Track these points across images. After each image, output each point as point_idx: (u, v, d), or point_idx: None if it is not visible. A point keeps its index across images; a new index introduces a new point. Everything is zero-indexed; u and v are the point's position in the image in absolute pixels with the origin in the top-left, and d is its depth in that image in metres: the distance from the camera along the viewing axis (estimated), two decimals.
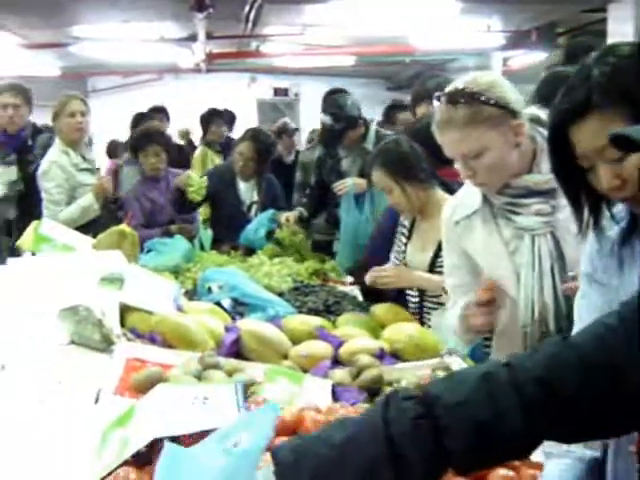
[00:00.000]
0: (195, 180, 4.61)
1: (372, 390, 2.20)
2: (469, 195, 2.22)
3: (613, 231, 1.46)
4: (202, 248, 4.89)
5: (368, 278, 2.99)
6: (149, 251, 3.73)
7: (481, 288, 2.10)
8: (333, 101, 4.53)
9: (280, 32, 8.57)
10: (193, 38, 8.03)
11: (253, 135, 4.77)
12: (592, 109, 1.32)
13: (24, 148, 4.79)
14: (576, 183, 1.43)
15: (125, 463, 1.53)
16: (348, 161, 4.49)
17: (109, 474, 1.51)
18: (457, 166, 2.10)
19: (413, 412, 1.07)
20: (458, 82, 2.05)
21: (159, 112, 7.17)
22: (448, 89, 2.05)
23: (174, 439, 1.55)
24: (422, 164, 2.98)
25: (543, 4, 7.13)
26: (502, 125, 2.00)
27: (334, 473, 1.05)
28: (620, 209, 1.44)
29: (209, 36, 7.67)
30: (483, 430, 1.06)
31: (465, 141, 2.00)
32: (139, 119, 6.40)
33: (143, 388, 1.92)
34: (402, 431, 1.06)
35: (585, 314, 1.53)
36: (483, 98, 1.98)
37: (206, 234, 5.29)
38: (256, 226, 4.39)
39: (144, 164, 4.77)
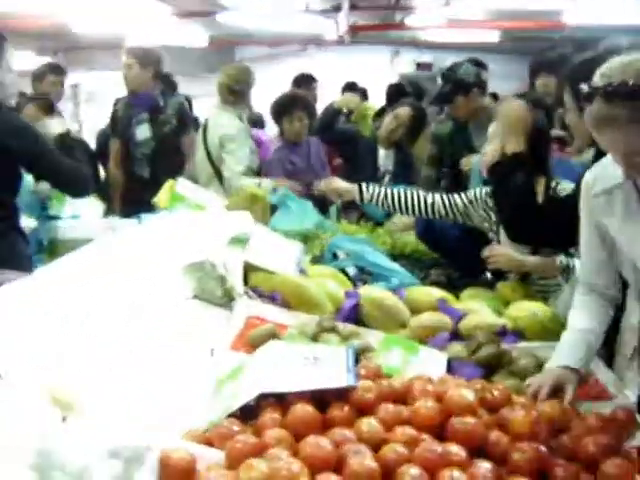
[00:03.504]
0: None
1: (489, 367, 2.15)
2: (610, 165, 2.08)
3: None
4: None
5: (484, 253, 2.91)
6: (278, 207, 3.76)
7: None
8: (450, 65, 4.41)
9: (425, 4, 8.44)
10: (337, 9, 8.03)
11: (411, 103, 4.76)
12: None
13: (155, 109, 4.93)
14: None
15: (232, 415, 1.56)
16: (478, 135, 4.35)
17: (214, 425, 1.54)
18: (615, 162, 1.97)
19: None
20: (608, 71, 1.89)
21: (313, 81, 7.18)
22: (604, 82, 1.89)
23: (281, 396, 1.57)
24: None
25: None
26: None
27: None
28: None
29: (353, 7, 7.65)
30: None
31: (629, 139, 1.86)
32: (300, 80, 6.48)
33: (258, 344, 1.94)
34: None
35: None
36: None
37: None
38: None
39: (287, 129, 4.82)
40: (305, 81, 6.91)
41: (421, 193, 3.26)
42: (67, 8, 8.10)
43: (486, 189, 3.07)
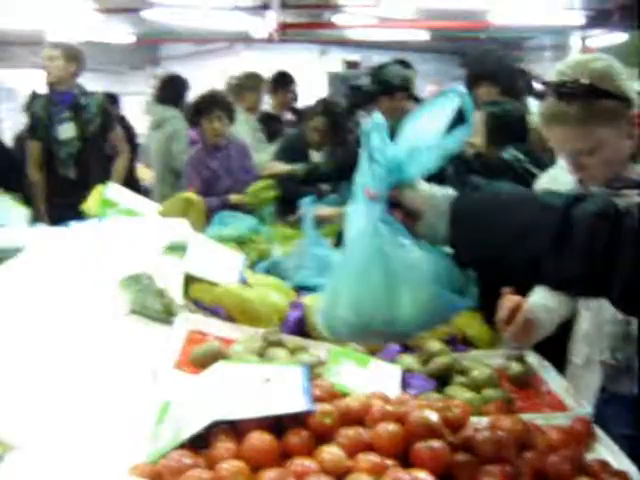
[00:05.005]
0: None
1: (442, 378, 2.08)
2: (562, 172, 2.05)
3: None
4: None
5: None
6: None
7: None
8: (376, 65, 4.38)
9: (355, 3, 8.41)
10: (266, 7, 7.94)
11: (325, 108, 4.68)
12: None
13: (77, 106, 4.75)
14: None
15: (180, 445, 1.44)
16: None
17: (163, 456, 1.42)
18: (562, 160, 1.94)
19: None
20: (564, 69, 1.86)
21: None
22: (555, 79, 1.86)
23: (233, 422, 1.46)
24: None
25: None
26: (618, 118, 1.82)
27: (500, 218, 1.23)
28: None
29: (283, 5, 7.57)
30: None
31: (577, 138, 1.81)
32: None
33: (203, 363, 1.83)
34: (579, 215, 1.18)
35: None
36: (599, 92, 1.80)
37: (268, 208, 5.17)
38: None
39: (206, 130, 4.67)
40: (284, 80, 6.69)
41: None
42: None
43: None
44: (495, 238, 1.25)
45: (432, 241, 1.37)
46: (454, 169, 2.73)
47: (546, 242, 1.20)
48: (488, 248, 1.27)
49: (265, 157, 5.08)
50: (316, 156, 4.71)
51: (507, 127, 3.00)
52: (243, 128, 5.44)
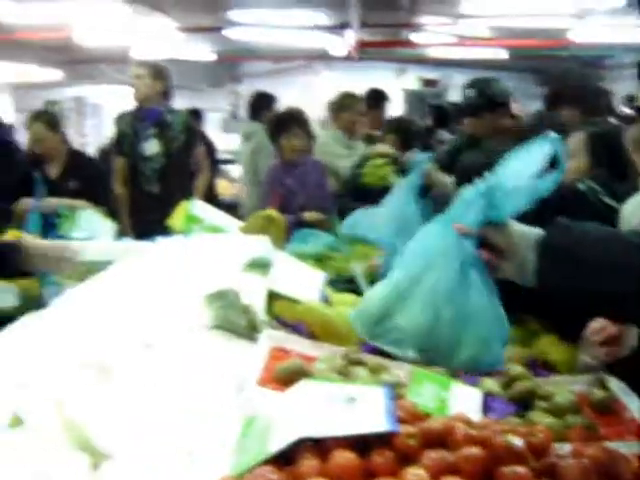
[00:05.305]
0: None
1: (523, 402, 2.06)
2: None
3: None
4: None
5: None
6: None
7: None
8: (480, 79, 4.34)
9: (433, 22, 8.43)
10: (345, 26, 8.02)
11: (397, 126, 4.71)
12: None
13: (162, 124, 4.86)
14: None
15: (265, 461, 1.47)
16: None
17: (248, 471, 1.45)
18: None
19: None
20: None
21: None
22: None
23: (318, 440, 1.49)
24: None
25: None
26: None
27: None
28: None
29: (362, 24, 7.63)
30: None
31: None
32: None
33: (286, 380, 1.87)
34: None
35: None
36: None
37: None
38: None
39: (284, 147, 4.74)
40: (378, 98, 6.68)
41: None
42: (73, 21, 8.08)
43: None
44: (584, 272, 1.27)
45: (519, 280, 1.39)
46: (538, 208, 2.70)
47: (634, 280, 1.21)
48: (577, 281, 1.28)
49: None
50: None
51: (610, 148, 2.94)
52: (332, 148, 5.46)
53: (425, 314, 1.41)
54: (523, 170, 1.41)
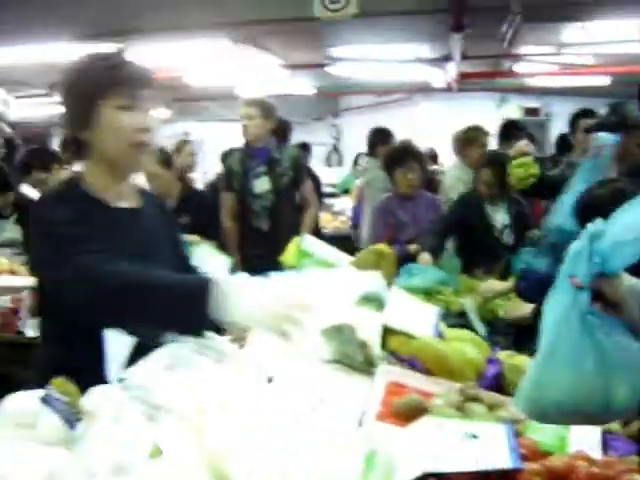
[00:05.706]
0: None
1: None
2: None
3: None
4: None
5: None
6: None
7: None
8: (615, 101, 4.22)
9: (535, 52, 8.36)
10: (447, 58, 8.04)
11: (492, 159, 4.68)
12: None
13: (272, 161, 4.95)
14: None
15: None
16: None
17: None
18: None
19: None
20: None
21: None
22: None
23: (441, 475, 1.52)
24: None
25: None
26: None
27: None
28: None
29: (464, 56, 7.64)
30: None
31: None
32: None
33: (405, 415, 1.91)
34: None
35: None
36: None
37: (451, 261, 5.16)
38: None
39: (399, 180, 4.79)
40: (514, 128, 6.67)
41: None
42: (181, 61, 8.37)
43: None
44: None
45: (631, 332, 1.40)
46: None
47: None
48: None
49: None
50: (490, 209, 4.67)
51: None
52: (455, 184, 5.48)
53: (571, 375, 1.43)
54: (636, 220, 1.41)
